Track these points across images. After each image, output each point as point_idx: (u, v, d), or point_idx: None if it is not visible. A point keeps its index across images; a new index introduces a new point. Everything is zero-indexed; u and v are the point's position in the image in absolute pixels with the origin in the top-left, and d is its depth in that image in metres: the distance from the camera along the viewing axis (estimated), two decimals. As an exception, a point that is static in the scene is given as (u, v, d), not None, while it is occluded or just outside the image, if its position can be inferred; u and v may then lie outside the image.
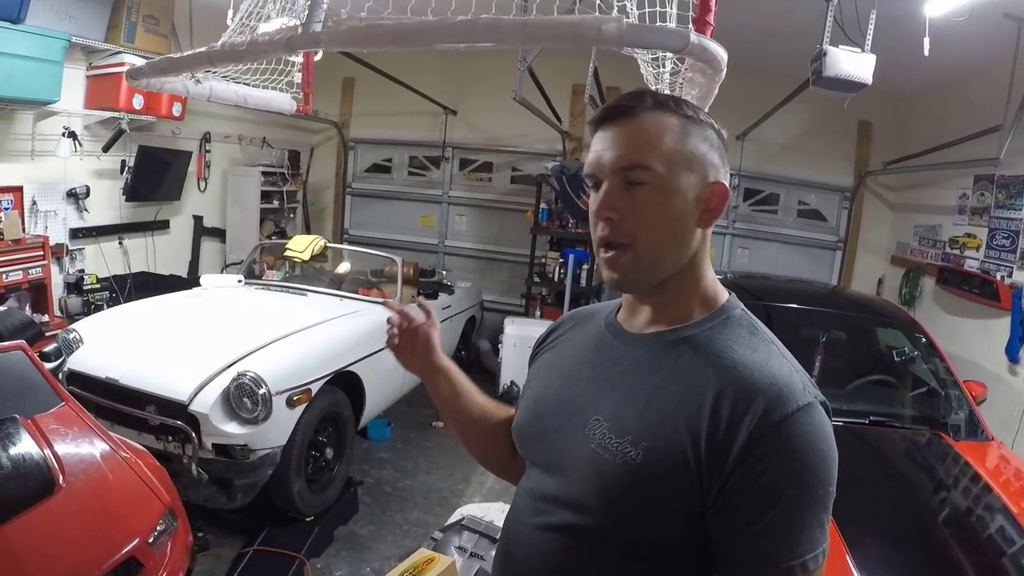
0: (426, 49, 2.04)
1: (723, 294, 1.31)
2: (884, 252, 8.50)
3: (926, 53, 4.02)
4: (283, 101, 3.82)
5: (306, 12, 2.23)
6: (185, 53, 2.66)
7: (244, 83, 3.43)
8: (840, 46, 3.91)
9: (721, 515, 1.12)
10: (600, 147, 1.26)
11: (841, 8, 4.09)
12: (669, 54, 2.41)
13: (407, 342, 1.62)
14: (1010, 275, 5.76)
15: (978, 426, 4.15)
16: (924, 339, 4.71)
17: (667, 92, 2.54)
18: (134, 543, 2.63)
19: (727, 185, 1.27)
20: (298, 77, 3.81)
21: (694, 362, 1.20)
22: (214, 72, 3.07)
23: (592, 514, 1.22)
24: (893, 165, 7.84)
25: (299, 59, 3.77)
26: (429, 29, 1.94)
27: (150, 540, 2.70)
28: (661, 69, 2.51)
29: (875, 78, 3.91)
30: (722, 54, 2.04)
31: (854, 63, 3.88)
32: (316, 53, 3.85)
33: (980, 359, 5.97)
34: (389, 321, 1.62)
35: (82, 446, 2.94)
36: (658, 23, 2.06)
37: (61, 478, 2.68)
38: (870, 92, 4.12)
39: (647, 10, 2.16)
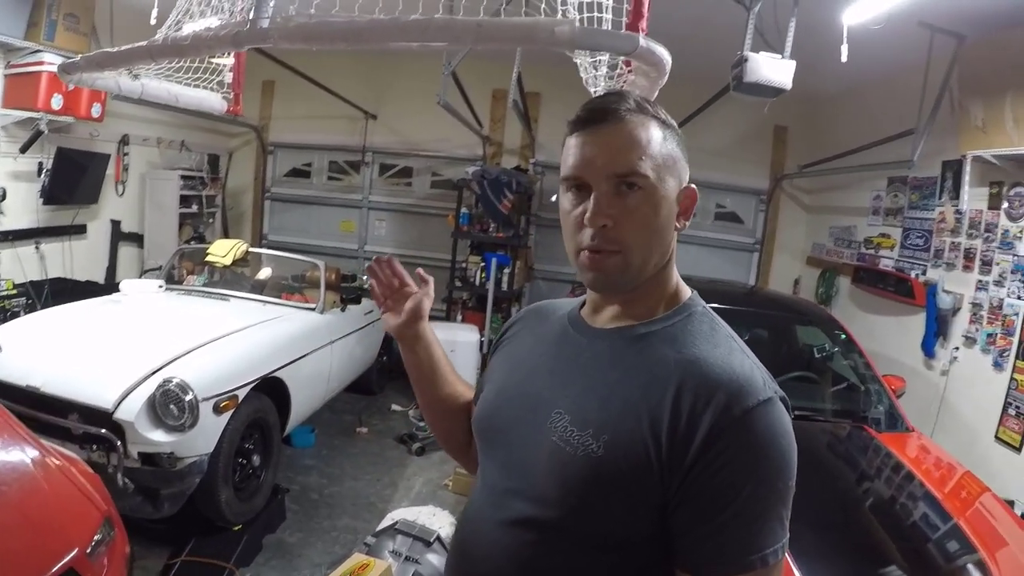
0: (378, 48, 2.03)
1: (686, 292, 1.34)
2: (800, 253, 8.76)
3: (844, 60, 4.14)
4: (214, 101, 3.77)
5: (252, 9, 2.20)
6: (124, 48, 2.58)
7: (176, 82, 3.37)
8: (760, 52, 4.00)
9: (681, 508, 1.13)
10: (588, 150, 1.24)
11: (761, 15, 4.19)
12: (605, 58, 2.44)
13: (397, 302, 1.58)
14: (924, 273, 5.98)
15: (898, 418, 4.30)
16: (843, 336, 4.86)
17: (603, 92, 2.58)
18: (72, 554, 2.50)
19: (694, 188, 1.31)
20: (229, 77, 3.76)
21: (656, 357, 1.22)
22: (147, 69, 3.00)
23: (554, 507, 1.22)
24: (808, 168, 8.07)
25: (230, 60, 3.72)
26: (382, 28, 1.93)
27: (88, 551, 2.58)
28: (596, 72, 2.55)
29: (792, 82, 4.01)
30: (667, 57, 2.09)
31: (774, 69, 3.97)
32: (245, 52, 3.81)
33: (897, 354, 6.18)
34: (370, 271, 1.60)
35: (12, 453, 2.80)
36: (595, 26, 2.10)
37: None
38: (786, 97, 4.23)
39: (585, 15, 2.20)
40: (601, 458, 1.17)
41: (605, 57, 2.46)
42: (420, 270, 1.66)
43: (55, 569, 2.42)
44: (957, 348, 5.54)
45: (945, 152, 5.63)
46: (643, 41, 1.96)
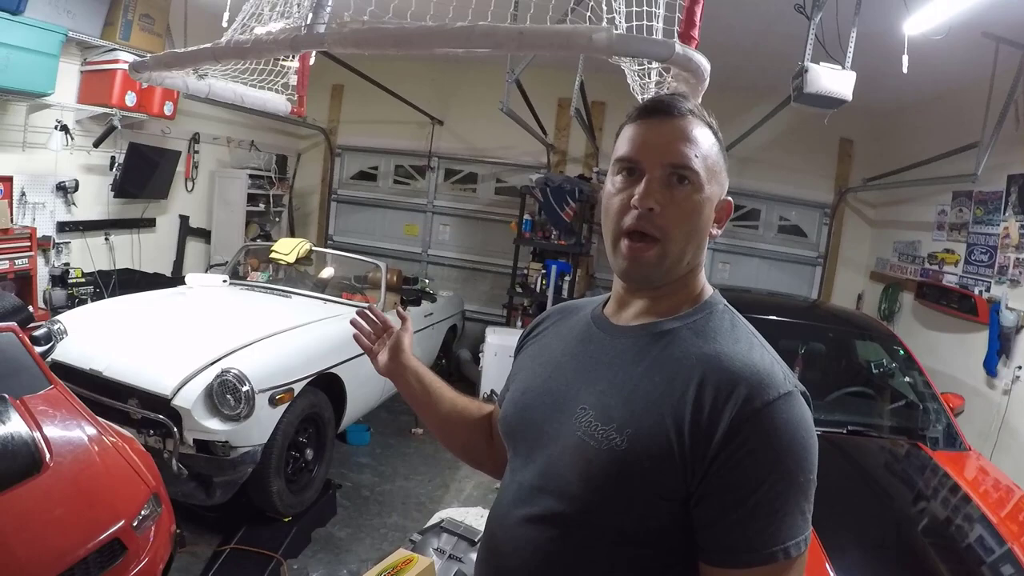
0: (425, 53, 2.09)
1: (708, 290, 1.36)
2: (863, 268, 8.59)
3: (904, 71, 4.07)
4: (278, 102, 3.87)
5: (310, 14, 2.28)
6: (190, 48, 2.69)
7: (242, 83, 3.48)
8: (821, 63, 3.96)
9: (704, 501, 1.14)
10: (650, 137, 1.28)
11: (823, 26, 4.15)
12: (655, 66, 2.46)
13: (382, 345, 1.73)
14: (988, 290, 5.83)
15: (956, 437, 4.19)
16: (902, 352, 4.76)
17: (643, 95, 2.60)
18: (119, 525, 2.63)
19: (731, 200, 1.36)
20: (293, 79, 3.85)
21: (678, 353, 1.24)
22: (214, 69, 3.10)
23: (578, 501, 1.24)
24: (873, 182, 7.93)
25: (295, 63, 3.81)
26: (429, 33, 2.00)
27: (134, 523, 2.71)
28: (646, 80, 2.57)
29: (855, 95, 3.96)
30: (705, 64, 2.11)
31: (835, 80, 3.92)
32: (311, 56, 3.90)
33: (958, 372, 6.03)
34: (353, 323, 1.75)
35: (70, 428, 2.96)
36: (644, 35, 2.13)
37: (48, 457, 2.69)
38: (850, 109, 4.18)
39: (635, 23, 2.23)
40: (625, 452, 1.18)
41: (655, 66, 2.47)
42: (398, 308, 1.81)
43: (101, 538, 2.56)
44: (1020, 367, 5.39)
45: (1010, 166, 5.52)
46: (679, 47, 1.99)
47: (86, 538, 2.51)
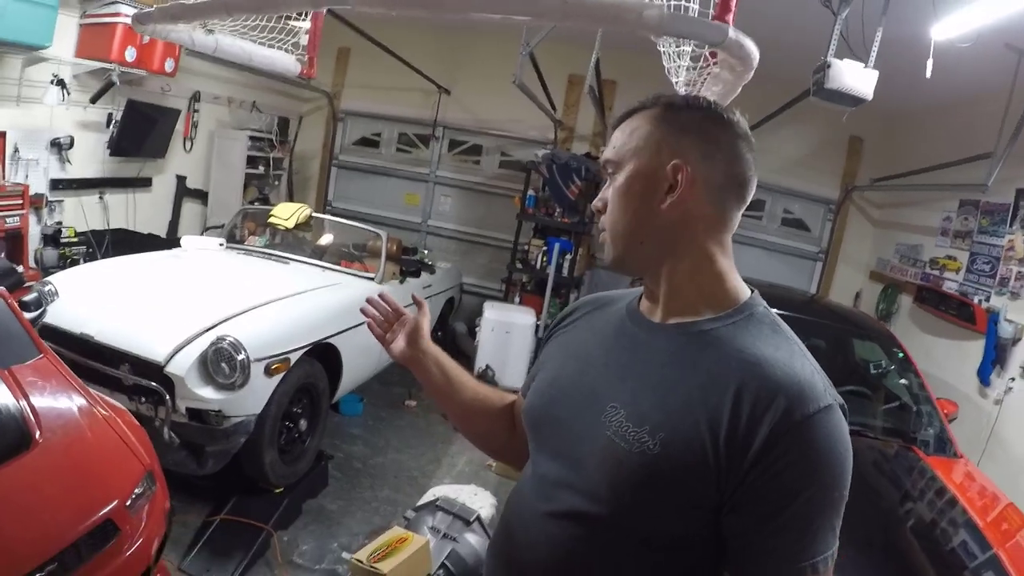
0: (459, 17, 2.01)
1: (745, 291, 1.31)
2: (864, 266, 8.61)
3: (928, 75, 4.03)
4: (288, 62, 3.78)
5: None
6: (200, 0, 2.59)
7: (250, 40, 3.38)
8: (844, 59, 3.91)
9: (737, 511, 1.12)
10: None
11: (848, 22, 4.09)
12: (688, 46, 2.39)
13: (396, 332, 1.67)
14: (988, 299, 5.86)
15: (948, 442, 4.22)
16: (900, 354, 4.76)
17: (683, 87, 2.54)
18: (112, 505, 2.52)
19: (685, 164, 1.25)
20: (304, 39, 3.76)
21: (716, 356, 1.20)
22: (222, 24, 3.01)
23: (605, 503, 1.22)
24: (880, 182, 7.92)
25: (307, 23, 3.72)
26: (467, -3, 1.91)
27: (128, 503, 2.60)
28: (678, 61, 2.49)
29: (872, 94, 3.92)
30: (755, 52, 2.04)
31: (857, 77, 3.87)
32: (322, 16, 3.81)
33: (951, 378, 6.06)
34: (364, 311, 1.70)
35: (61, 401, 2.83)
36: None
37: (38, 433, 2.56)
38: (863, 108, 4.12)
39: (672, 1, 2.14)
40: (657, 456, 1.16)
41: (688, 47, 2.40)
42: (414, 294, 1.82)
43: (94, 519, 2.45)
44: (1013, 379, 5.44)
45: (1021, 179, 5.52)
46: (733, 33, 1.91)
47: (78, 520, 2.41)
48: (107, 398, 3.13)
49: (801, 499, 1.08)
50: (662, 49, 2.44)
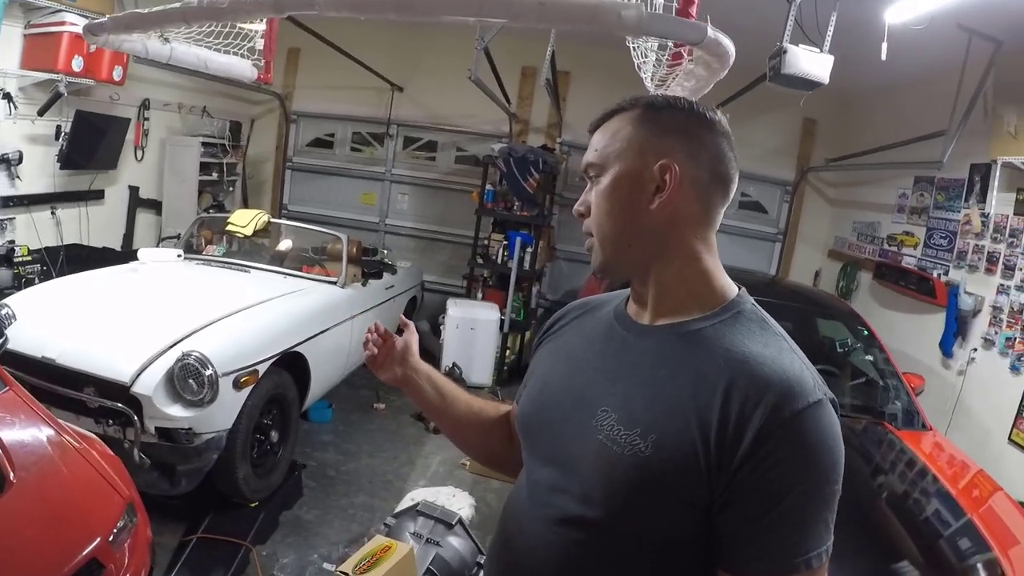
0: (432, 20, 1.98)
1: (732, 289, 1.31)
2: (822, 245, 8.74)
3: (883, 58, 4.08)
4: (244, 68, 3.71)
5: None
6: (155, 9, 2.51)
7: (205, 47, 3.31)
8: (800, 45, 3.93)
9: (728, 509, 1.12)
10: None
11: (802, 8, 4.12)
12: (651, 44, 2.38)
13: (384, 356, 1.66)
14: (946, 273, 5.99)
15: (916, 415, 4.32)
16: (865, 331, 4.85)
17: (649, 82, 2.53)
18: (95, 543, 2.43)
19: (674, 164, 1.25)
20: (260, 44, 3.69)
21: (704, 355, 1.20)
22: (177, 32, 2.94)
23: (599, 506, 1.22)
24: (835, 162, 8.01)
25: (262, 26, 3.65)
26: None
27: (111, 539, 2.51)
28: (649, 56, 2.48)
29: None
30: (732, 50, 2.03)
31: (813, 63, 3.90)
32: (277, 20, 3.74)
33: (914, 352, 6.18)
34: (367, 342, 1.67)
35: (32, 437, 2.71)
36: (661, 12, 2.03)
37: (11, 473, 2.42)
38: (818, 90, 4.15)
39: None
40: (649, 458, 1.16)
41: (653, 44, 2.39)
42: (402, 316, 1.79)
43: (77, 560, 2.35)
44: (975, 349, 5.57)
45: (974, 155, 5.61)
46: (711, 31, 1.90)
47: (62, 562, 2.31)
48: (78, 428, 3.02)
49: (793, 495, 1.08)
50: (632, 46, 2.42)
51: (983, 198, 5.52)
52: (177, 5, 2.42)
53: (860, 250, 7.63)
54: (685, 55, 2.32)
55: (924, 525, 3.23)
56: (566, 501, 1.27)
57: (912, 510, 3.36)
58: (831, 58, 3.93)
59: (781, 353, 1.18)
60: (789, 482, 1.08)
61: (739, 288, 1.32)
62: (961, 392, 5.66)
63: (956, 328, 5.73)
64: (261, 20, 3.59)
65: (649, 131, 1.28)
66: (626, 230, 1.29)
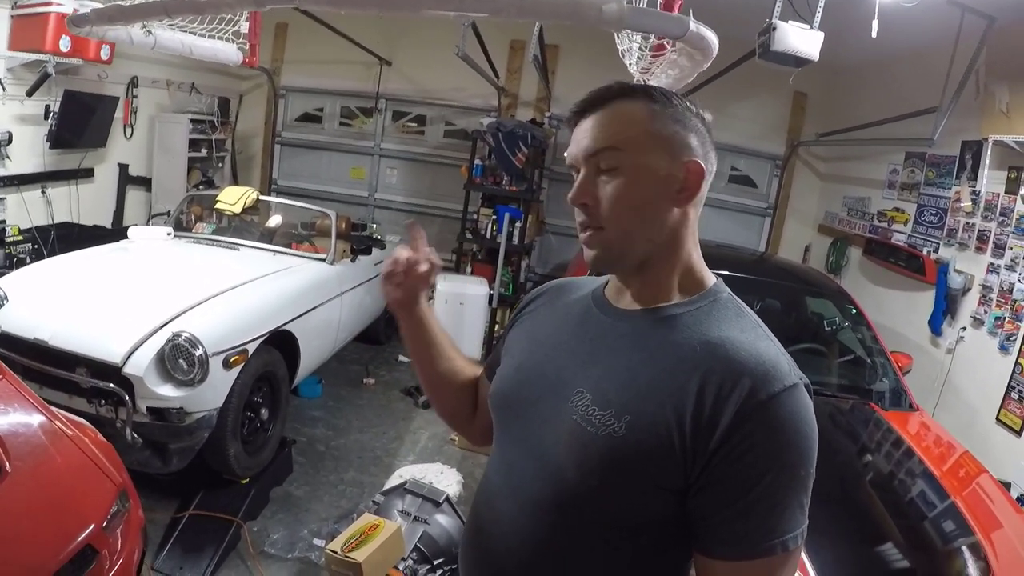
0: (412, 14, 1.97)
1: (710, 277, 1.32)
2: (812, 220, 8.72)
3: (874, 35, 4.05)
4: (230, 52, 3.70)
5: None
6: (137, 2, 2.52)
7: (191, 32, 3.30)
8: (790, 21, 3.92)
9: (703, 493, 1.13)
10: (577, 136, 1.29)
11: (792, -18, 4.10)
12: (637, 37, 2.38)
13: (402, 277, 1.54)
14: (936, 251, 5.97)
15: (903, 395, 4.31)
16: (853, 310, 4.84)
17: (635, 69, 2.53)
18: (89, 530, 2.45)
19: (702, 164, 1.26)
20: (245, 27, 3.67)
21: (681, 340, 1.21)
22: (161, 20, 2.94)
23: (572, 487, 1.22)
24: (826, 137, 8.00)
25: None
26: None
27: (104, 525, 2.54)
28: (630, 44, 2.48)
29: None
30: (714, 43, 2.04)
31: (802, 39, 3.87)
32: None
33: (903, 329, 6.20)
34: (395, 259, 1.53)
35: (26, 426, 2.72)
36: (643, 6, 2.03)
37: (7, 464, 2.42)
38: (809, 65, 4.13)
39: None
40: (623, 439, 1.16)
41: (638, 37, 2.39)
42: (432, 251, 1.57)
43: (72, 546, 2.38)
44: (964, 328, 5.56)
45: (966, 132, 5.57)
46: (693, 25, 1.91)
47: (56, 550, 2.33)
48: (70, 415, 3.02)
49: (768, 478, 1.09)
50: (616, 35, 2.42)
51: (974, 176, 5.49)
52: (158, -1, 2.43)
53: (850, 226, 7.62)
54: (668, 45, 2.33)
55: (908, 507, 3.25)
56: (539, 482, 1.27)
57: (896, 491, 3.37)
58: (821, 35, 3.90)
59: (757, 339, 1.19)
60: (765, 465, 1.09)
61: (716, 276, 1.33)
62: (949, 371, 5.65)
63: (945, 306, 5.71)
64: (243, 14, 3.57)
65: (671, 126, 1.26)
66: (648, 226, 1.26)
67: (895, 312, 6.42)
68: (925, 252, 6.04)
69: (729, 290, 1.32)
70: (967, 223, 5.61)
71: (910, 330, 6.14)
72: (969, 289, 5.52)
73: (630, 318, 1.30)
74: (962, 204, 5.60)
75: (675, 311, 1.26)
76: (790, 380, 1.13)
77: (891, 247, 6.59)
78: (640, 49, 2.39)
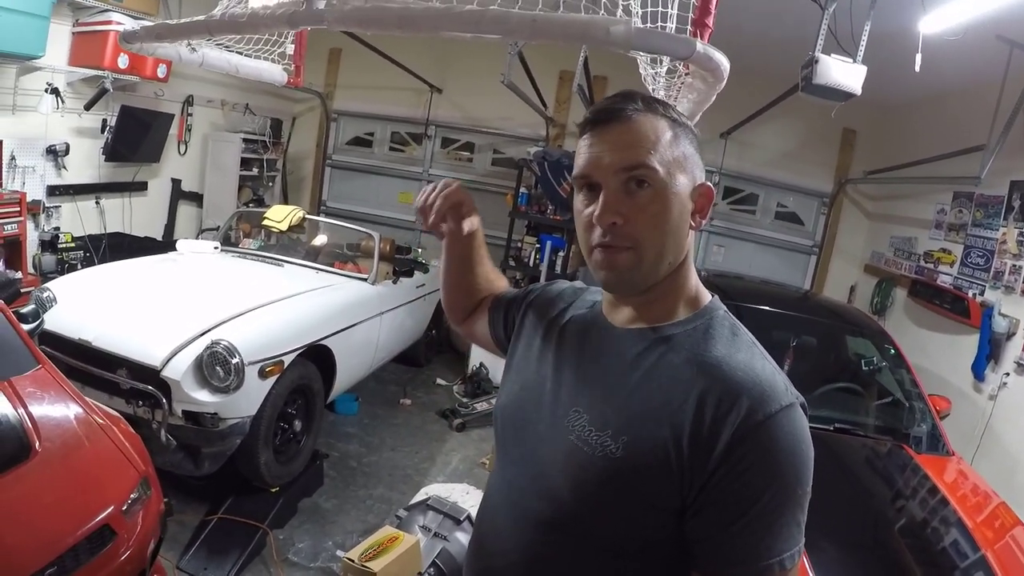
0: (431, 35, 2.03)
1: (706, 295, 1.32)
2: (858, 260, 8.57)
3: (917, 69, 4.03)
4: (275, 72, 3.79)
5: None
6: (183, 20, 2.63)
7: (237, 52, 3.40)
8: (832, 55, 3.91)
9: (701, 513, 1.13)
10: (597, 149, 1.23)
11: (836, 17, 4.10)
12: (662, 60, 2.41)
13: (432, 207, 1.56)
14: (982, 293, 5.81)
15: (940, 440, 4.20)
16: (893, 350, 4.74)
17: (662, 92, 2.55)
18: (108, 511, 2.58)
19: (711, 187, 1.28)
20: (291, 49, 3.76)
21: (678, 360, 1.21)
22: (208, 40, 3.04)
23: (570, 508, 1.23)
24: (874, 175, 7.89)
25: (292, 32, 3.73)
26: (436, 16, 1.94)
27: (124, 508, 2.65)
28: (658, 68, 2.51)
29: (864, 88, 3.91)
30: (725, 64, 2.05)
31: (845, 73, 3.87)
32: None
33: (945, 373, 6.05)
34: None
35: (59, 411, 2.89)
36: (659, 24, 2.06)
37: (37, 443, 2.62)
38: (856, 100, 4.10)
39: (649, 9, 2.14)
40: (620, 460, 1.17)
41: (662, 59, 2.42)
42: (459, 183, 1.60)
43: (91, 524, 2.50)
44: (1008, 374, 5.39)
45: (1015, 172, 5.47)
46: (700, 46, 1.93)
47: (76, 525, 2.46)
48: (103, 407, 3.17)
49: (765, 498, 1.09)
50: (639, 59, 2.46)
51: (1022, 217, 5.39)
52: (202, 18, 2.52)
53: (896, 266, 7.48)
54: (681, 68, 2.35)
55: (939, 556, 3.16)
56: (537, 501, 1.28)
57: (928, 539, 3.28)
58: (864, 68, 3.89)
59: (753, 358, 1.20)
60: (762, 485, 1.09)
61: (712, 295, 1.33)
62: (991, 418, 5.49)
63: (989, 351, 5.55)
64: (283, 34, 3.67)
65: (688, 147, 1.26)
66: (675, 247, 1.24)
67: (938, 355, 6.27)
68: (971, 295, 5.89)
69: (724, 308, 1.32)
70: (1013, 265, 5.47)
71: (953, 374, 5.98)
72: (1014, 334, 5.36)
73: (628, 337, 1.30)
74: (1008, 246, 5.49)
75: (673, 331, 1.26)
76: (787, 400, 1.14)
77: (936, 289, 6.45)
78: (655, 74, 2.42)
